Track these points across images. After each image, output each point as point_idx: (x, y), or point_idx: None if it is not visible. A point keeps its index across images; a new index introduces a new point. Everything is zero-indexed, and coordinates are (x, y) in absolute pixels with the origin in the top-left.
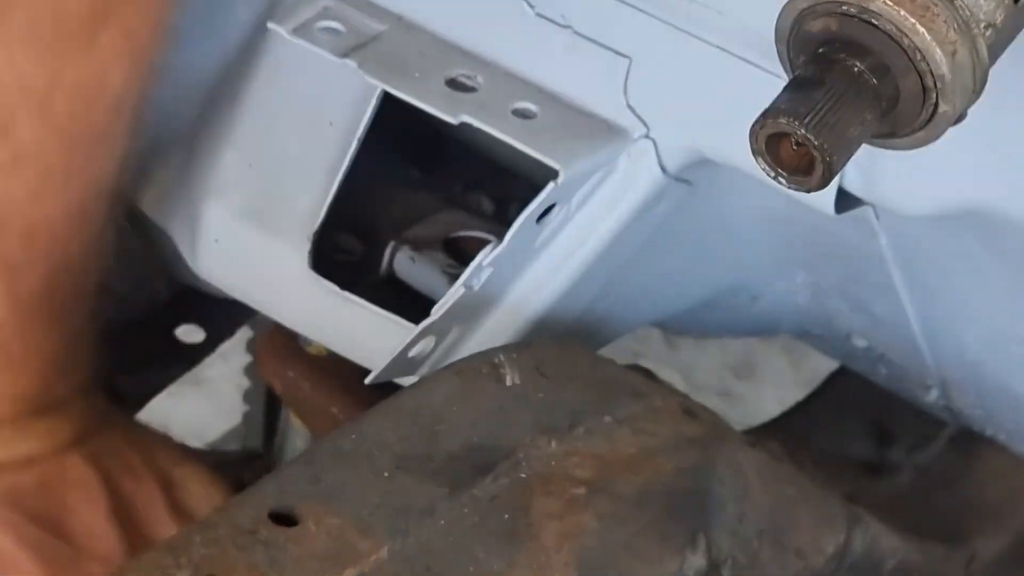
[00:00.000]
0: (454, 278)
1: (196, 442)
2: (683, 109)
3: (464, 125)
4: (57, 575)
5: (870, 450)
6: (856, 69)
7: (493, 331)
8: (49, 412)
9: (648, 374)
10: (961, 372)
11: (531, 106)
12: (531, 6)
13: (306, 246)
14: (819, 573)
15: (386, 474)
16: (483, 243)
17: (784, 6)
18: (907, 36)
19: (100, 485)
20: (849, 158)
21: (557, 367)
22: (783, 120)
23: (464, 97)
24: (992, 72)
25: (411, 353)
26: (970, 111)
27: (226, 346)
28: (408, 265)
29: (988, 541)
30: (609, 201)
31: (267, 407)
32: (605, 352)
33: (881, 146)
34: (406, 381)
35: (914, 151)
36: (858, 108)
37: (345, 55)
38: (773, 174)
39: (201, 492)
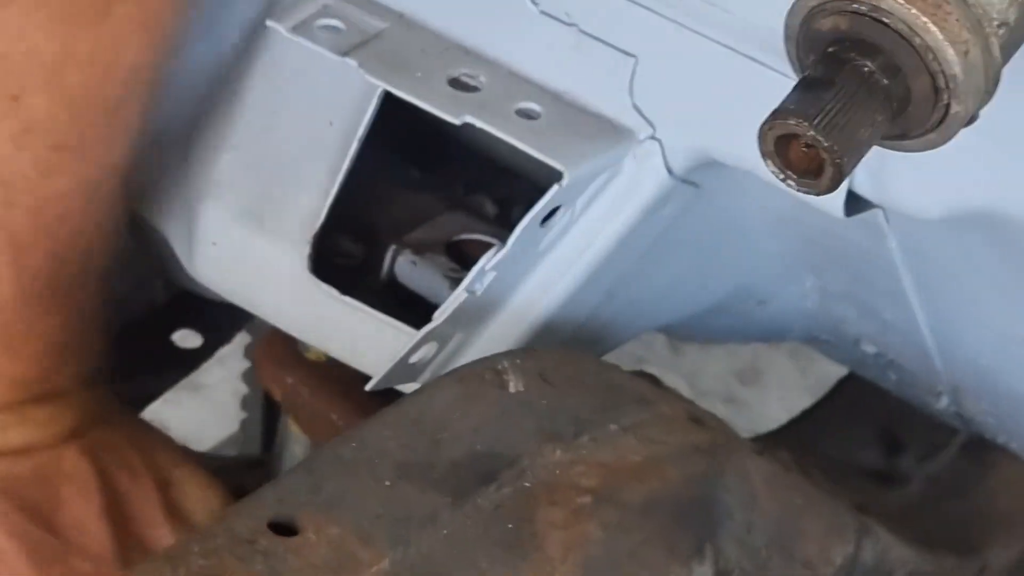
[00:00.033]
0: (456, 282)
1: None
2: (690, 109)
3: (466, 125)
4: (43, 569)
5: (879, 458)
6: (866, 69)
7: (496, 337)
8: (49, 401)
9: (654, 380)
10: (972, 378)
11: (535, 106)
12: (535, 3)
13: (306, 249)
14: None
15: (387, 483)
16: (486, 246)
17: (793, 4)
18: (919, 35)
19: (95, 480)
20: (859, 160)
21: (561, 373)
22: (792, 121)
23: (467, 97)
24: (1004, 72)
25: (412, 359)
26: (982, 112)
27: (224, 351)
28: (409, 269)
29: (1000, 551)
30: (614, 204)
31: (265, 414)
32: (609, 358)
33: (892, 148)
34: (407, 388)
35: (925, 153)
36: (868, 109)
37: (345, 54)
38: (782, 176)
39: (198, 495)
